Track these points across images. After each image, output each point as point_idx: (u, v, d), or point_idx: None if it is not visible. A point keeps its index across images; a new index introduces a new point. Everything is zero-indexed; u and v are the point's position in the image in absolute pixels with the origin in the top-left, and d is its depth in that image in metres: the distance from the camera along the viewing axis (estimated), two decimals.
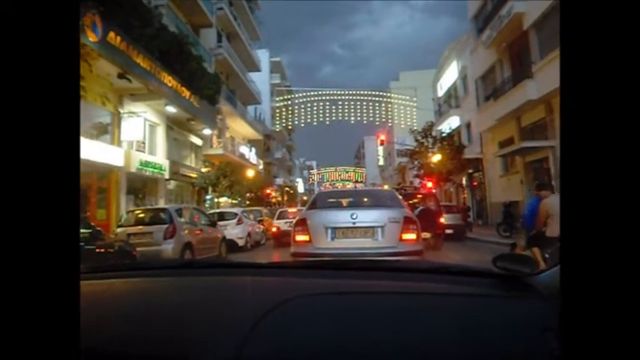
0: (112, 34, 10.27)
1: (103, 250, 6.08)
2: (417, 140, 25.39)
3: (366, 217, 5.12)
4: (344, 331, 0.62)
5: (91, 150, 11.28)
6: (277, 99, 40.21)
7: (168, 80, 13.87)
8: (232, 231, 12.45)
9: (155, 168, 15.11)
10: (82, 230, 6.05)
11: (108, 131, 12.90)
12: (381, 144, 39.59)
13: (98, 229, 6.48)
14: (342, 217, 5.15)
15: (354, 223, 5.04)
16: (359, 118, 38.55)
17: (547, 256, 5.43)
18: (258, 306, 0.70)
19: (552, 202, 5.36)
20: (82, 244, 5.73)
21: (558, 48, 0.43)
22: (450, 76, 28.41)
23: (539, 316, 0.61)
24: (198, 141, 19.80)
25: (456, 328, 0.60)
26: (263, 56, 37.22)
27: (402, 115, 39.68)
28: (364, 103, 38.92)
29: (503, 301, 0.73)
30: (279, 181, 41.71)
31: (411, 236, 5.01)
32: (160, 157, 15.83)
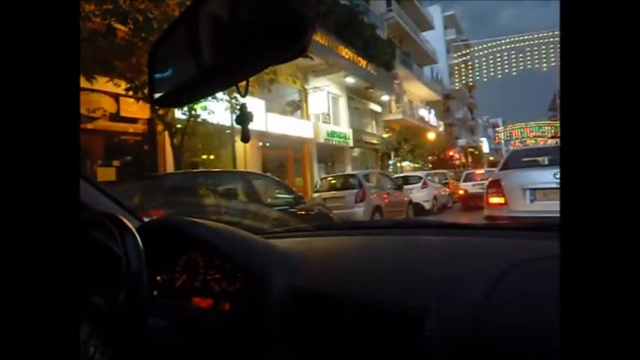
0: None
1: (304, 213, 6.75)
2: None
3: None
4: None
5: (287, 125, 12.57)
6: (454, 55, 37.95)
7: (345, 52, 14.39)
8: (418, 194, 12.46)
9: (340, 137, 16.03)
10: (286, 196, 6.84)
11: (298, 107, 14.17)
12: None
13: (300, 194, 7.24)
14: (542, 177, 4.61)
15: (558, 182, 4.50)
16: (552, 64, 33.79)
17: None
18: (493, 266, 0.67)
19: None
20: (287, 207, 6.49)
21: None
22: None
23: None
24: (377, 108, 20.18)
25: None
26: (435, 12, 35.38)
27: None
28: (557, 45, 33.72)
29: None
30: (462, 142, 39.77)
31: None
32: (343, 126, 16.70)
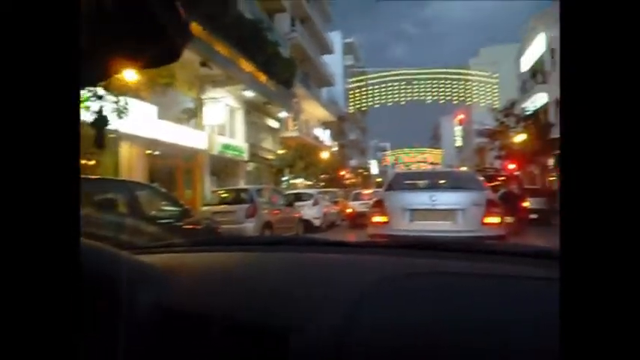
0: (194, 25, 10.81)
1: (190, 227, 6.49)
2: (497, 119, 24.04)
3: (446, 199, 5.00)
4: (443, 312, 0.62)
5: (179, 134, 12.05)
6: (350, 80, 39.95)
7: (246, 66, 14.35)
8: (309, 211, 12.73)
9: (235, 150, 15.81)
10: (172, 208, 6.53)
11: (193, 116, 13.70)
12: (459, 124, 38.07)
13: (187, 207, 6.95)
14: (421, 199, 5.06)
15: (433, 205, 4.92)
16: (435, 98, 37.33)
17: None
18: (358, 283, 0.70)
19: None
20: (171, 221, 6.20)
21: None
22: (535, 49, 26.39)
23: None
24: (274, 124, 20.34)
25: (534, 312, 0.56)
26: (336, 38, 37.05)
27: (481, 93, 37.68)
28: (441, 82, 37.51)
29: None
30: (353, 162, 41.68)
31: (494, 220, 4.80)
32: (239, 140, 16.51)
